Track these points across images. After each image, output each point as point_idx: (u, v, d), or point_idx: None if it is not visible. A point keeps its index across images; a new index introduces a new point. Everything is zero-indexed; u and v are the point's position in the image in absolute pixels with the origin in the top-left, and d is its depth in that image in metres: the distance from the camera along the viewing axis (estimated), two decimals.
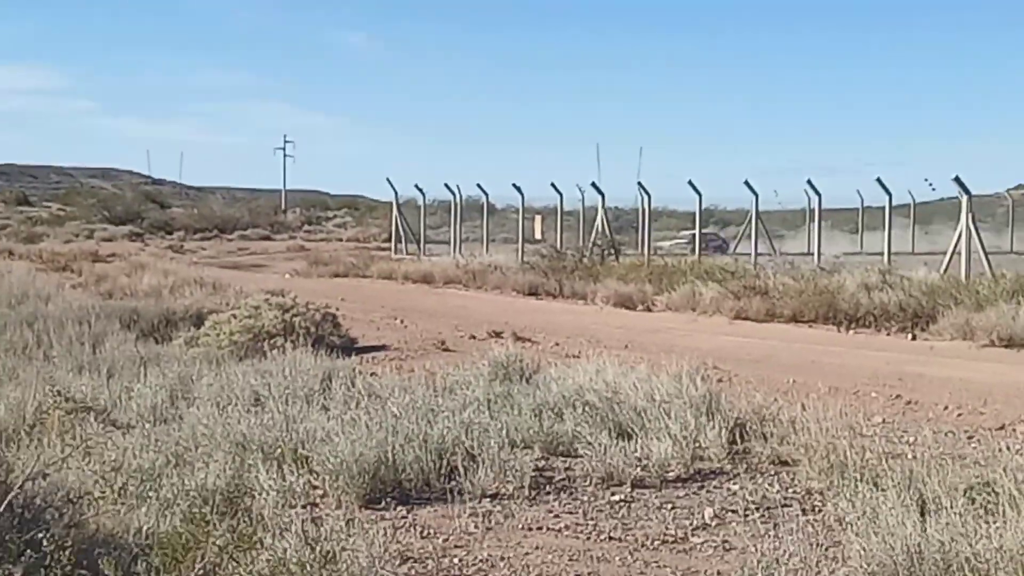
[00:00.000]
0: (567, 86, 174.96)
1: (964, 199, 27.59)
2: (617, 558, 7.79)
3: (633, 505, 9.13)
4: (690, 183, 37.13)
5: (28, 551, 4.61)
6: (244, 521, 6.33)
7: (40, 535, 4.73)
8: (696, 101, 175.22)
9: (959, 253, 27.34)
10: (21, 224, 78.46)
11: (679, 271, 31.29)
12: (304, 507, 8.50)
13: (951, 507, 7.53)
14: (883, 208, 32.69)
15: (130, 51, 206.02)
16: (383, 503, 8.95)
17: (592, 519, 8.74)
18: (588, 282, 32.78)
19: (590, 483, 9.65)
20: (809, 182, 36.03)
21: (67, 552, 4.67)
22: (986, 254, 27.43)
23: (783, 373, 16.95)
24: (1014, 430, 12.44)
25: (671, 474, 9.88)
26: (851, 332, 23.72)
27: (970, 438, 11.78)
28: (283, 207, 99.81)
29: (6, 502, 4.87)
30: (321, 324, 19.36)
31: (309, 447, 9.61)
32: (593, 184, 41.68)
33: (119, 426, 11.22)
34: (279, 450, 9.63)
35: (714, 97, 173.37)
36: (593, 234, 41.56)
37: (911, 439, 11.38)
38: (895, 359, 18.97)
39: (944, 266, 27.96)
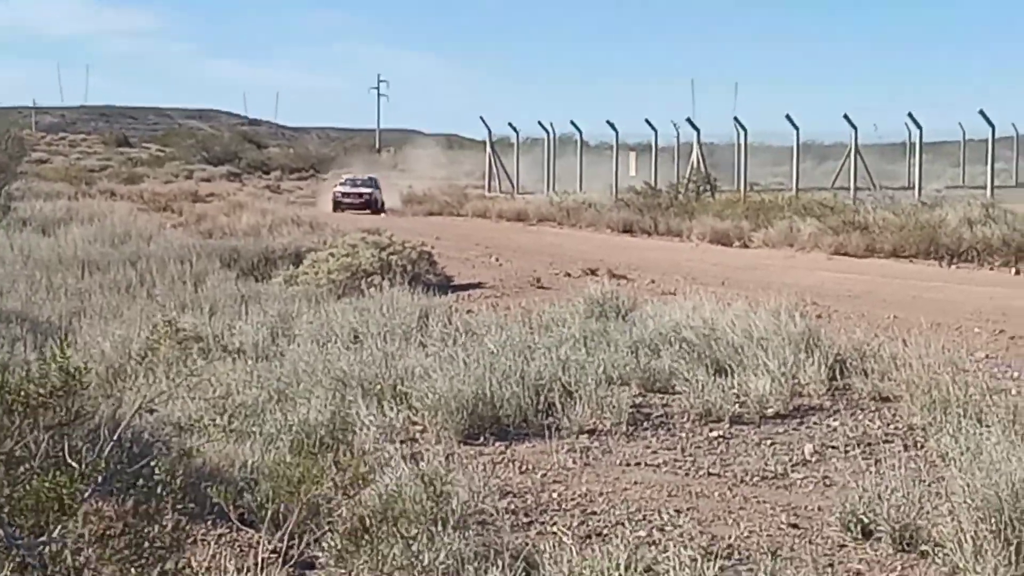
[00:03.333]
0: (661, 21, 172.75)
1: None
2: (716, 493, 7.78)
3: (731, 441, 9.11)
4: (787, 117, 36.62)
5: (139, 481, 4.73)
6: (348, 456, 6.41)
7: (151, 465, 4.84)
8: (792, 36, 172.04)
9: None
10: (121, 165, 79.67)
11: (776, 207, 30.96)
12: (404, 442, 8.60)
13: None
14: (985, 140, 31.94)
15: None
16: (482, 439, 9.03)
17: (690, 455, 8.73)
18: (683, 219, 32.60)
19: (688, 419, 9.64)
20: (910, 115, 35.29)
21: (178, 481, 4.77)
22: None
23: (883, 309, 16.74)
24: None
25: (770, 410, 9.82)
26: (953, 267, 23.36)
27: None
28: (378, 146, 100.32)
29: (115, 436, 4.99)
30: (417, 262, 19.49)
31: (408, 383, 9.70)
32: (688, 120, 41.33)
33: (230, 351, 11.45)
34: (378, 386, 9.74)
35: (810, 32, 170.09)
36: (688, 170, 41.19)
37: (1015, 374, 11.20)
38: (999, 294, 18.65)
39: None
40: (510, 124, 49.69)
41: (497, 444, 8.94)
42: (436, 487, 6.14)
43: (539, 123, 48.81)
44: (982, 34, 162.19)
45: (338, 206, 48.61)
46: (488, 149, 51.20)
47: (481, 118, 49.93)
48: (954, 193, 36.70)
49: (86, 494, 4.50)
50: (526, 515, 7.22)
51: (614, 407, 9.44)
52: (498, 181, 51.12)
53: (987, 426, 8.07)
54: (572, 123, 46.42)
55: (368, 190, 50.41)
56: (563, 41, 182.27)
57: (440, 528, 5.99)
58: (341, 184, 52.18)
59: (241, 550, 6.26)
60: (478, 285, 20.43)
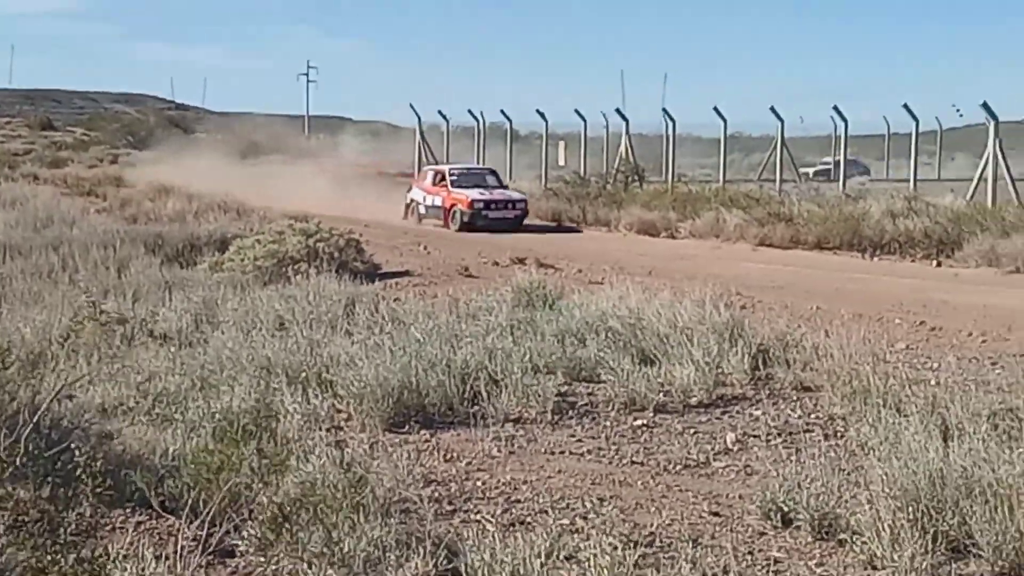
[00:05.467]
0: (591, 12, 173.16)
1: (991, 125, 27.29)
2: (639, 482, 7.83)
3: (655, 430, 9.17)
4: (715, 109, 36.82)
5: (58, 466, 4.67)
6: (270, 444, 6.38)
7: (69, 450, 4.78)
8: (721, 28, 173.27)
9: (985, 180, 27.11)
10: (45, 149, 78.36)
11: (703, 198, 31.17)
12: (329, 430, 8.56)
13: (974, 433, 7.56)
14: (909, 134, 32.36)
15: None
16: (407, 427, 9.02)
17: (614, 444, 8.79)
18: (612, 209, 32.72)
19: (612, 408, 9.69)
20: (835, 108, 35.63)
21: (97, 467, 4.72)
22: (1013, 181, 27.19)
23: (807, 299, 16.92)
24: None
25: (693, 400, 9.90)
26: (876, 259, 23.68)
27: (994, 364, 11.75)
28: (306, 132, 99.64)
29: (34, 421, 4.92)
30: (345, 250, 19.38)
31: (333, 371, 9.67)
32: (617, 110, 41.41)
33: (155, 336, 11.35)
34: (303, 374, 9.69)
35: (739, 25, 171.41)
36: (617, 161, 41.34)
37: (935, 365, 11.37)
38: (920, 286, 18.93)
39: (970, 193, 27.75)
40: (440, 112, 49.50)
41: (422, 432, 8.94)
42: (356, 474, 6.12)
43: (469, 112, 48.66)
44: (908, 30, 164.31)
45: (464, 221, 31.45)
46: (418, 137, 50.97)
47: (411, 105, 49.61)
48: (878, 186, 37.19)
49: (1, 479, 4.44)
50: (450, 503, 7.23)
51: (540, 396, 9.47)
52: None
53: (906, 416, 8.19)
54: (502, 112, 46.37)
55: (518, 196, 33.31)
56: (495, 31, 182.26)
57: (361, 516, 5.97)
58: (460, 182, 33.01)
59: (160, 538, 6.20)
60: (406, 273, 20.37)
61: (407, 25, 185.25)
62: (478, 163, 47.71)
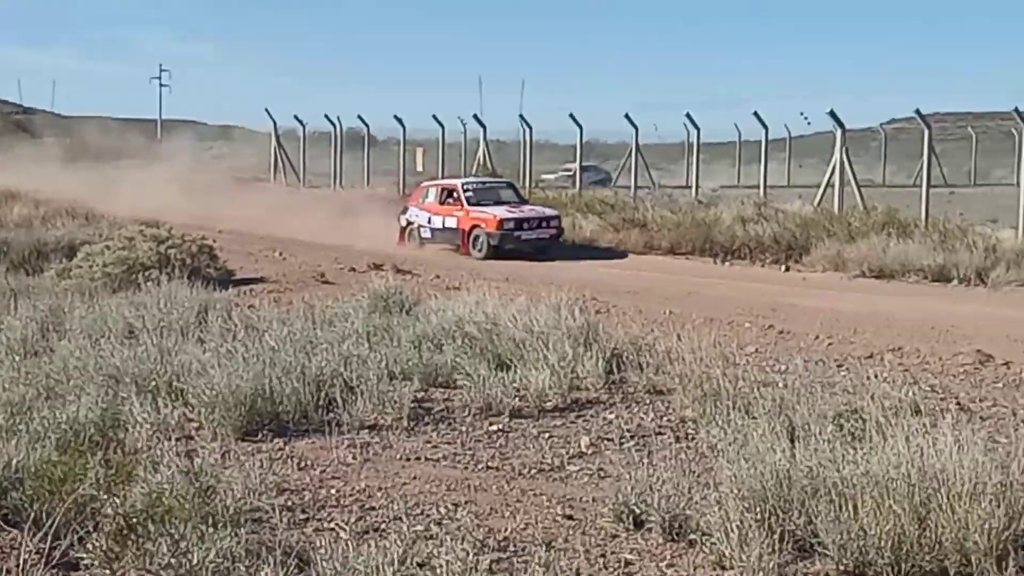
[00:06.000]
0: (449, 19, 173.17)
1: (838, 133, 28.02)
2: (494, 487, 7.86)
3: (511, 435, 9.22)
4: (571, 116, 37.12)
5: None
6: (117, 454, 6.24)
7: None
8: (578, 36, 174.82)
9: (832, 186, 27.81)
10: None
11: (560, 203, 31.39)
12: (179, 440, 8.42)
13: (820, 434, 7.72)
14: (759, 142, 33.04)
15: None
16: (260, 435, 8.91)
17: (470, 449, 8.81)
18: None
19: (468, 413, 9.73)
20: (688, 116, 36.18)
21: None
22: (859, 187, 27.94)
23: (660, 304, 17.17)
24: (882, 359, 12.77)
25: (549, 404, 9.98)
26: (727, 264, 24.12)
27: (840, 367, 12.07)
28: (159, 136, 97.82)
29: None
30: (197, 256, 19.08)
31: (185, 380, 9.51)
32: (475, 116, 41.46)
33: None
34: (153, 383, 9.51)
35: (597, 32, 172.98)
36: (475, 167, 41.48)
37: (783, 368, 11.63)
38: (769, 290, 19.34)
39: (818, 199, 28.43)
40: (296, 117, 49.02)
41: (276, 440, 8.85)
42: (205, 484, 6.02)
43: (326, 117, 48.27)
44: (756, 41, 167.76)
45: (492, 245, 25.64)
46: (273, 142, 50.41)
47: (266, 110, 49.22)
48: (730, 192, 37.87)
49: None
50: (303, 512, 7.16)
51: (396, 402, 9.45)
52: (283, 174, 50.39)
53: (755, 418, 8.36)
54: (359, 117, 46.07)
55: (551, 212, 27.47)
56: (353, 36, 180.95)
57: (211, 526, 5.88)
58: (477, 198, 27.17)
59: (2, 551, 6.02)
60: (261, 280, 20.13)
61: (263, 29, 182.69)
62: (336, 169, 47.44)
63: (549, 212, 27.23)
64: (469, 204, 26.64)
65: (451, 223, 26.76)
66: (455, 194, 27.28)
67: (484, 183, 29.33)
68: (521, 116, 40.65)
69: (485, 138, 41.35)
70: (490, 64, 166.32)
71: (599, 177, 46.13)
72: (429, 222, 27.46)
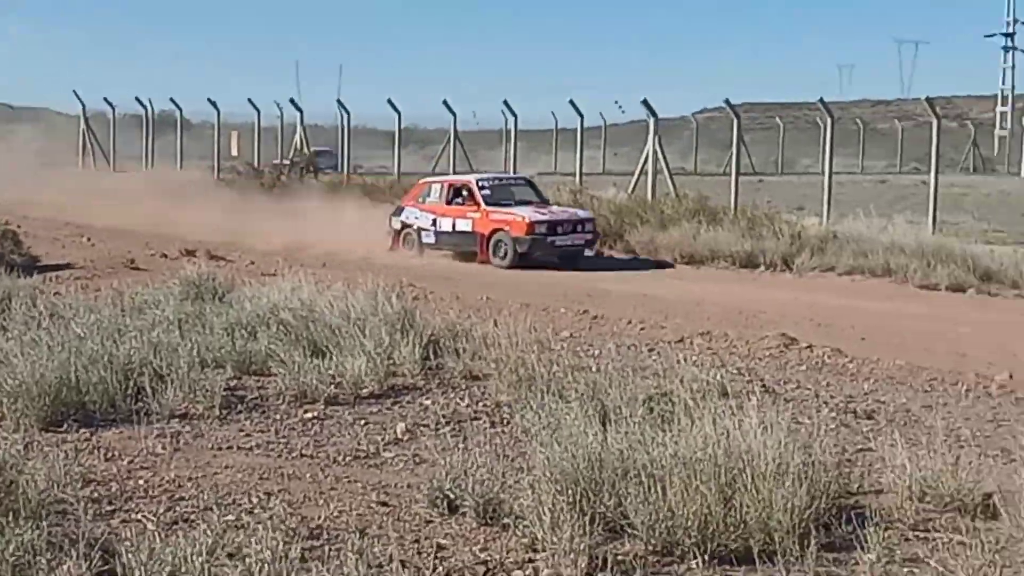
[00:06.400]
0: (267, 2, 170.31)
1: (651, 121, 28.58)
2: (308, 475, 7.78)
3: (326, 422, 9.15)
4: (389, 101, 37.07)
5: None
6: None
7: None
8: (397, 21, 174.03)
9: (646, 174, 28.36)
10: None
11: (379, 189, 31.30)
12: None
13: (631, 417, 7.87)
14: (575, 129, 33.45)
15: None
16: (65, 425, 8.65)
17: (284, 437, 8.71)
18: (288, 200, 32.36)
19: (283, 401, 9.62)
20: (506, 103, 36.47)
21: None
22: (671, 175, 28.57)
23: (477, 290, 17.27)
24: (691, 342, 13.08)
25: (365, 391, 9.93)
26: None
27: (651, 351, 12.32)
28: None
29: None
30: (0, 242, 18.42)
31: None
32: (292, 101, 41.06)
33: None
34: None
35: (415, 17, 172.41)
36: (292, 152, 41.11)
37: (596, 352, 11.80)
38: (584, 276, 19.61)
39: (632, 186, 28.96)
40: (106, 99, 47.73)
41: (82, 431, 8.60)
42: (6, 478, 5.81)
43: (137, 99, 47.14)
44: (574, 32, 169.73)
45: (521, 252, 22.19)
46: (82, 125, 48.99)
47: (75, 92, 47.64)
48: (547, 179, 38.27)
49: None
50: (109, 503, 6.98)
51: (207, 391, 9.28)
52: (92, 158, 49.02)
53: (568, 402, 8.45)
54: (172, 100, 45.12)
55: (585, 214, 23.91)
56: (168, 18, 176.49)
57: (11, 519, 5.68)
58: (495, 197, 23.49)
59: None
60: (68, 266, 19.55)
61: (72, 8, 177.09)
62: (148, 152, 46.33)
63: (583, 214, 23.67)
64: (487, 204, 22.89)
65: (464, 226, 23.05)
66: (467, 192, 23.50)
67: (501, 179, 25.75)
68: (339, 101, 40.44)
69: (302, 122, 40.98)
70: (308, 48, 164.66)
71: (332, 163, 45.55)
72: (434, 225, 23.64)
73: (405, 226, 24.23)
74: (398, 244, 24.21)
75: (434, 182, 25.22)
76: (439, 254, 23.54)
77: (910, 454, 7.27)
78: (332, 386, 9.85)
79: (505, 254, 22.21)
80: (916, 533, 6.65)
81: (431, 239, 23.69)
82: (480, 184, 23.72)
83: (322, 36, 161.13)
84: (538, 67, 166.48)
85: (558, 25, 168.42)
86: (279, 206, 29.59)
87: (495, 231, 22.51)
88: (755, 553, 6.09)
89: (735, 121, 27.55)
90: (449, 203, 23.52)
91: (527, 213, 22.48)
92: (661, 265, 22.56)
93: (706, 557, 6.06)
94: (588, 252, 22.91)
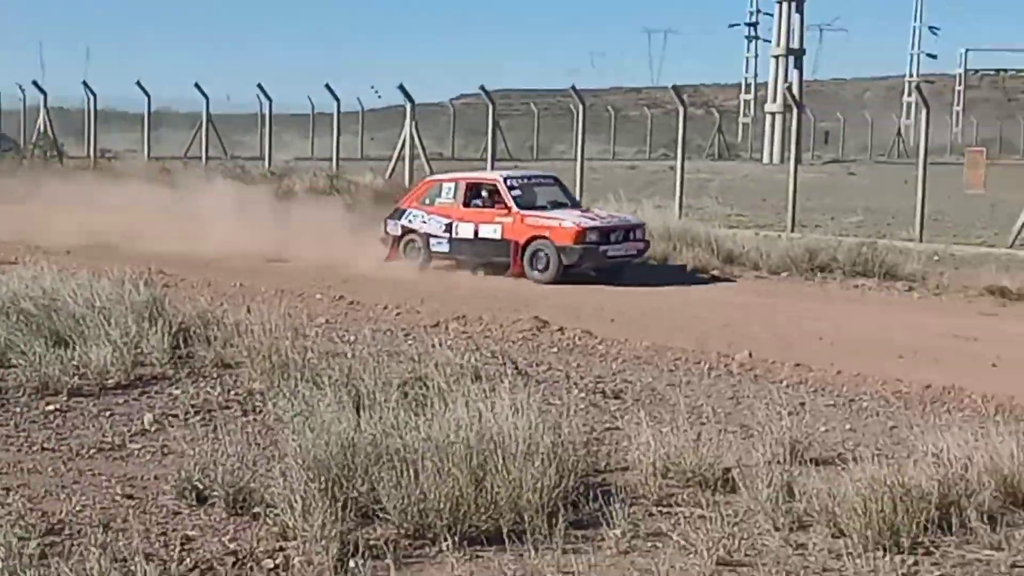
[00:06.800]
0: None
1: (408, 107, 28.66)
2: (50, 468, 7.52)
3: (69, 414, 8.86)
4: (138, 84, 36.12)
5: None
6: None
7: None
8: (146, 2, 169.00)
9: (403, 159, 28.44)
10: None
11: (127, 174, 30.47)
12: None
13: (385, 402, 7.89)
14: (332, 114, 33.24)
15: None
16: None
17: (24, 430, 8.40)
18: (30, 185, 31.16)
19: (23, 394, 9.29)
20: (260, 86, 35.91)
21: None
22: (428, 160, 28.72)
23: (231, 276, 16.96)
24: (447, 327, 13.17)
25: (111, 381, 9.66)
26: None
27: (407, 335, 12.35)
28: None
29: None
30: None
31: None
32: (35, 83, 39.57)
33: None
34: None
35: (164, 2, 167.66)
36: (35, 135, 39.76)
37: (352, 338, 11.73)
38: (342, 261, 19.46)
39: (389, 171, 29.00)
40: None
41: None
42: None
43: None
44: (331, 18, 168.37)
45: (567, 264, 18.13)
46: None
47: None
48: (303, 164, 37.96)
49: None
50: None
51: None
52: None
53: (322, 388, 8.40)
54: None
55: (635, 220, 19.86)
56: None
57: None
58: (527, 198, 19.13)
59: None
60: None
61: None
62: None
63: (633, 220, 19.78)
64: (520, 207, 18.71)
65: (491, 232, 18.76)
66: (490, 192, 19.20)
67: (530, 177, 20.85)
68: (85, 83, 39.14)
69: (46, 105, 39.54)
70: (53, 29, 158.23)
71: (7, 146, 44.14)
72: (449, 231, 19.19)
73: (407, 232, 19.67)
74: (396, 252, 19.72)
75: (445, 180, 20.41)
76: (448, 264, 19.38)
77: (654, 432, 7.53)
78: (76, 377, 9.56)
79: (546, 266, 18.25)
80: (660, 508, 6.89)
81: (444, 247, 19.27)
82: (509, 183, 19.24)
83: (68, 16, 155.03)
84: (295, 52, 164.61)
85: (316, 10, 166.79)
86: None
87: (533, 239, 18.43)
88: (504, 533, 6.19)
89: (490, 107, 27.85)
90: (467, 205, 19.18)
91: (574, 218, 18.61)
92: None
93: (457, 538, 6.13)
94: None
